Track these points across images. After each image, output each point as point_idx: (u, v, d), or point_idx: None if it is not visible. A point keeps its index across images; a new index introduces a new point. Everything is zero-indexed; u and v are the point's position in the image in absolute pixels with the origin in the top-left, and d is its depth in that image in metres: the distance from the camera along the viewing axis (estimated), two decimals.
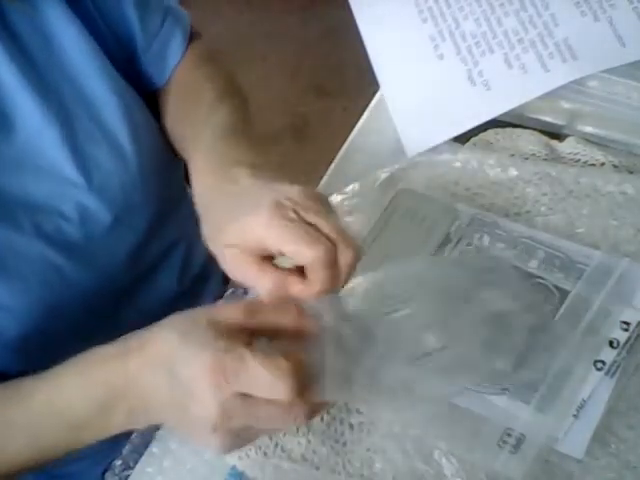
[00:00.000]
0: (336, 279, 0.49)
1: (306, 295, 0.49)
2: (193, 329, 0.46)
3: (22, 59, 0.58)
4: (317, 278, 0.49)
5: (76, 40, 0.61)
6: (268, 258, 0.51)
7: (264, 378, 0.43)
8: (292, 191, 0.50)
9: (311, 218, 0.49)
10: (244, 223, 0.50)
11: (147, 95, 0.70)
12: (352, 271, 0.50)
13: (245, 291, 0.67)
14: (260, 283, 0.50)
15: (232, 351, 0.44)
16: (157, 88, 0.72)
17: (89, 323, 0.64)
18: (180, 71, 0.72)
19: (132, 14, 0.67)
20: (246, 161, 0.56)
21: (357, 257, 0.50)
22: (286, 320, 0.47)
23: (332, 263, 0.48)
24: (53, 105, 0.60)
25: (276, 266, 0.51)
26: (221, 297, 0.71)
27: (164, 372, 0.46)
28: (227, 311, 0.47)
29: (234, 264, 0.51)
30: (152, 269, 0.71)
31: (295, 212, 0.49)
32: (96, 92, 0.62)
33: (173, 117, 0.71)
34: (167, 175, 0.70)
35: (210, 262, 0.79)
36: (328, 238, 0.49)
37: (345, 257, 0.49)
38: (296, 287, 0.49)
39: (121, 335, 0.69)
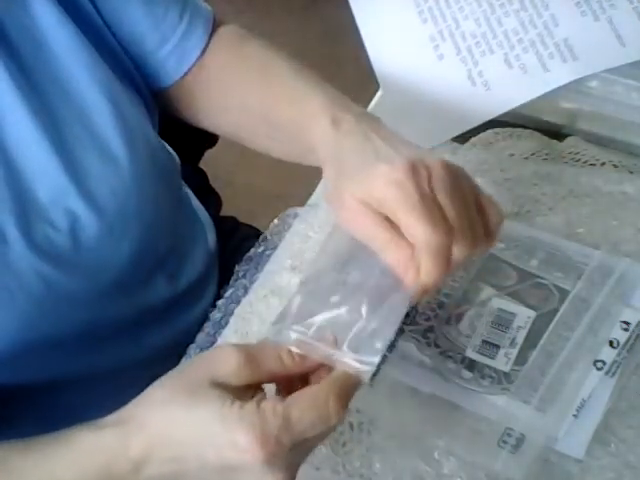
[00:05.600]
0: (441, 270, 0.46)
1: (409, 279, 0.47)
2: (202, 400, 0.43)
3: (10, 61, 0.57)
4: (421, 263, 0.46)
5: (68, 43, 0.60)
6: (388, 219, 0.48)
7: (314, 422, 0.43)
8: (433, 161, 0.48)
9: (441, 198, 0.46)
10: (372, 175, 0.48)
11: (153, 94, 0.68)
12: (461, 265, 0.47)
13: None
14: (372, 242, 0.48)
15: (268, 414, 0.42)
16: (169, 85, 0.70)
17: (73, 330, 0.62)
18: (219, 52, 0.70)
19: (137, 12, 0.65)
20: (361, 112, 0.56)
21: (474, 253, 0.47)
22: (286, 367, 0.46)
23: (441, 254, 0.46)
24: (42, 109, 0.58)
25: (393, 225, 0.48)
26: (219, 298, 0.71)
27: (193, 458, 0.44)
28: (226, 369, 0.45)
29: (352, 215, 0.49)
30: (147, 275, 0.68)
31: (428, 183, 0.47)
32: (87, 97, 0.60)
33: (227, 90, 0.69)
34: (165, 181, 0.67)
35: (207, 264, 0.78)
36: (450, 224, 0.46)
37: (459, 250, 0.46)
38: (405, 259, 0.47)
39: (102, 341, 0.65)
